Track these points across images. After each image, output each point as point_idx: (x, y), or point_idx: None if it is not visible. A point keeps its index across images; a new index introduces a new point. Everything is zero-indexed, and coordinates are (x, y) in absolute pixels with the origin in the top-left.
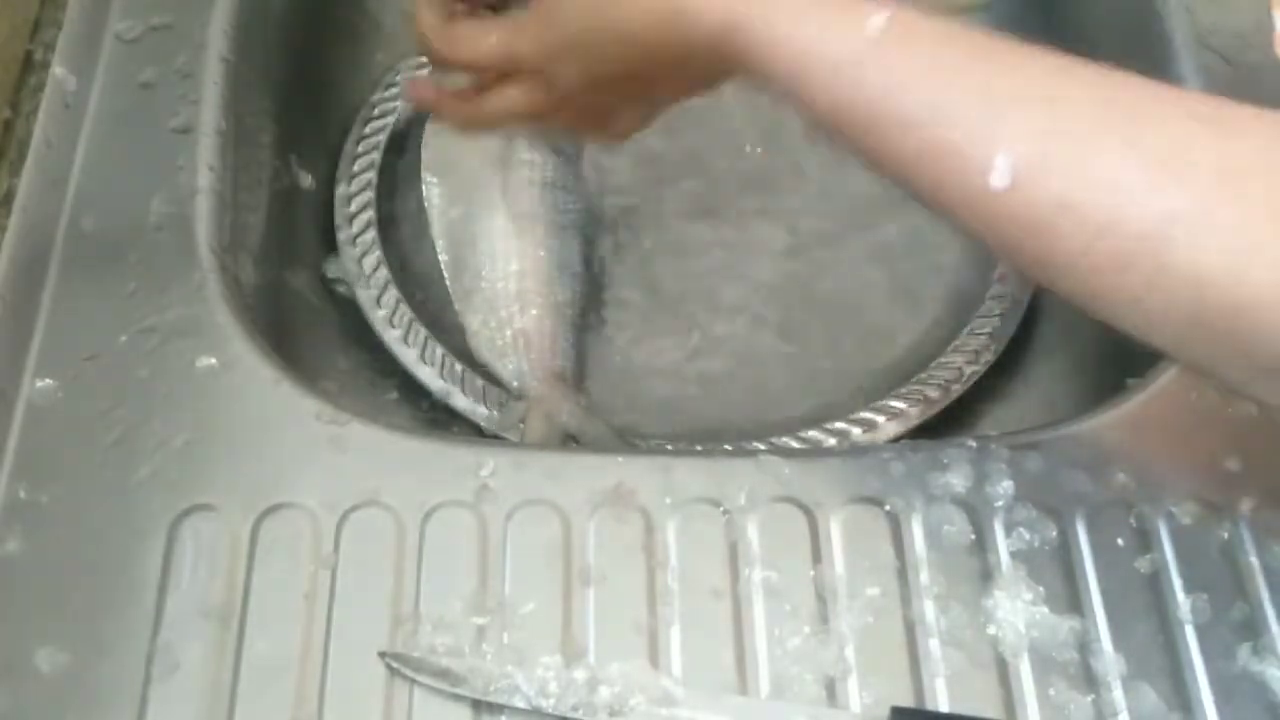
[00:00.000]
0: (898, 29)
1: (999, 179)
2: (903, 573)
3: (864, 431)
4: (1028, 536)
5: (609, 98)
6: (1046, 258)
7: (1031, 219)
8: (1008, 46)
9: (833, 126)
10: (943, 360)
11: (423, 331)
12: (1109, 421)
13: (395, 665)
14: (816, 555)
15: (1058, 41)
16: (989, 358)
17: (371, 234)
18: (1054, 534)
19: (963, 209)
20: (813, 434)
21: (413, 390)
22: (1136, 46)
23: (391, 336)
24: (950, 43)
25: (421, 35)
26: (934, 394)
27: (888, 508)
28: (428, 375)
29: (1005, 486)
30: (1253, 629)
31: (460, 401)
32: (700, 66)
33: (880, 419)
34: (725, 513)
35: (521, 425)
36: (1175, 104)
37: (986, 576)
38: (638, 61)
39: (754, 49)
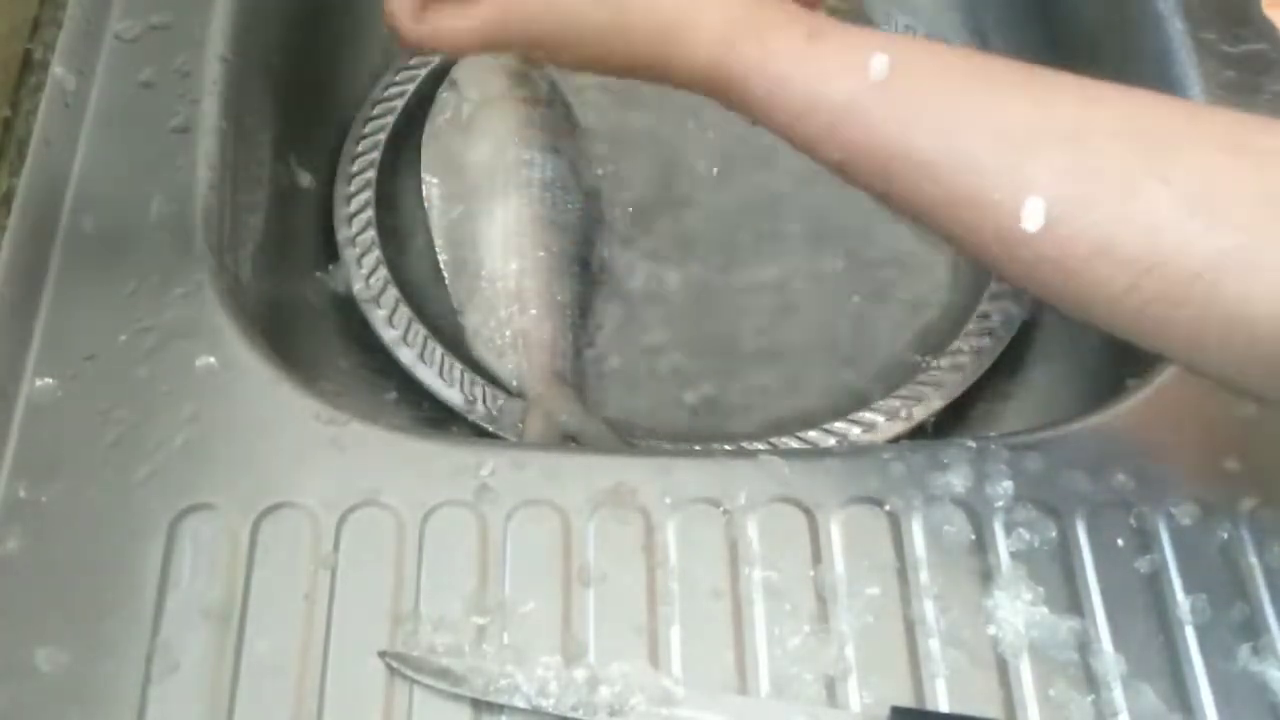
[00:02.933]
0: (902, 67)
1: (1032, 221)
2: (903, 573)
3: (864, 431)
4: (1028, 536)
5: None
6: (1088, 299)
7: (1070, 261)
8: (1019, 75)
9: (843, 171)
10: (943, 360)
11: (422, 331)
12: (1109, 421)
13: (395, 665)
14: (816, 555)
15: (1057, 41)
16: (989, 358)
17: (371, 234)
18: (1054, 534)
19: (996, 252)
20: (813, 434)
21: (412, 390)
22: (1136, 46)
23: (391, 336)
24: (958, 77)
25: (390, 14)
26: (934, 394)
27: (887, 508)
28: (427, 375)
29: (1005, 486)
30: (1253, 629)
31: (460, 402)
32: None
33: (880, 419)
34: (725, 513)
35: (521, 425)
36: (1203, 132)
37: (986, 576)
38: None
39: (750, 92)
